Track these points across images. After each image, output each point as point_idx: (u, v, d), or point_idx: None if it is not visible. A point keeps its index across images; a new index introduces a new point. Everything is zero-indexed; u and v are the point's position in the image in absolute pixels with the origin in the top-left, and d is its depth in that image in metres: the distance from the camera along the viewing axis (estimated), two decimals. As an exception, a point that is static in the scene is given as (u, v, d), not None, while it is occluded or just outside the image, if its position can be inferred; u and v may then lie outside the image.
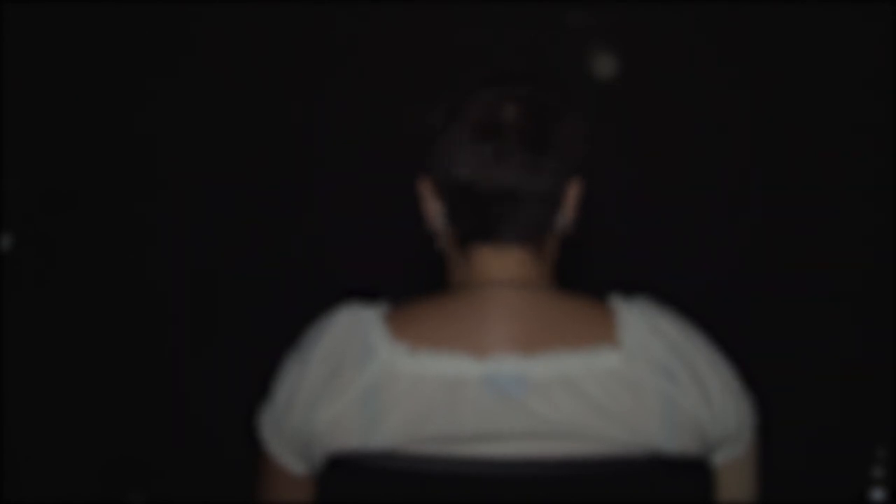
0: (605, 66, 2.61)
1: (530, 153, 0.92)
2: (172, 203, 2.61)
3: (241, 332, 2.55)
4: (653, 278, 1.63)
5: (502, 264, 0.95)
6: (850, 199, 2.48)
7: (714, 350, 0.95)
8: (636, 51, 2.58)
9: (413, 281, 1.34)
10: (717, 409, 0.90)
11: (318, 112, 2.60)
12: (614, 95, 2.59)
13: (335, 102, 2.58)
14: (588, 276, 1.42)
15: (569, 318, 0.92)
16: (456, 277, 1.00)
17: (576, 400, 0.87)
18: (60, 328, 2.46)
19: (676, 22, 2.50)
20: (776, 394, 1.49)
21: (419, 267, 1.42)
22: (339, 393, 0.89)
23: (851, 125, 2.47)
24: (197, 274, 2.62)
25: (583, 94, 2.50)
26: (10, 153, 2.43)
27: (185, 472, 2.32)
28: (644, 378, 0.88)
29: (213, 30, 2.56)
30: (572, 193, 0.97)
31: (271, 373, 0.98)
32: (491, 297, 0.93)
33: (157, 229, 2.60)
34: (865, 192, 2.46)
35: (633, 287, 1.08)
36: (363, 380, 0.89)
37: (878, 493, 1.88)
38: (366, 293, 1.13)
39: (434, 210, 0.99)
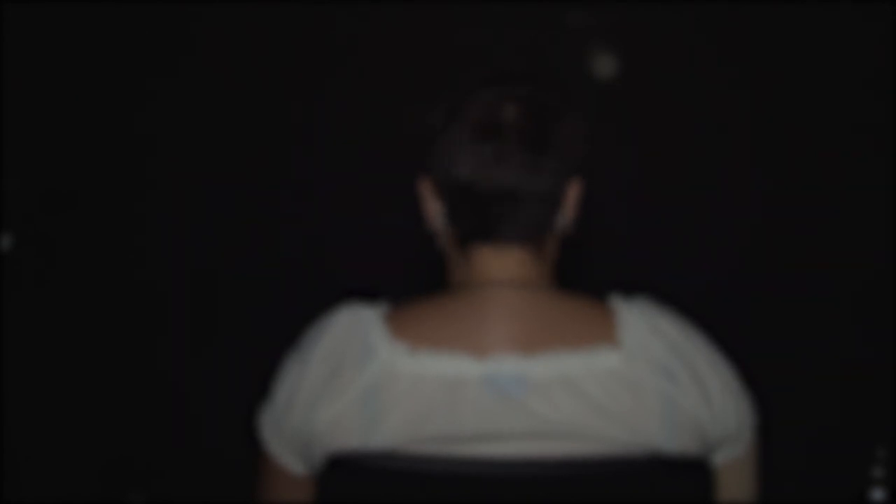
0: (605, 66, 2.61)
1: (530, 153, 0.92)
2: (172, 203, 2.61)
3: (240, 332, 2.55)
4: (653, 278, 1.63)
5: (502, 264, 0.95)
6: (850, 199, 2.48)
7: (714, 350, 0.95)
8: (636, 51, 2.58)
9: (413, 281, 1.34)
10: (717, 409, 0.90)
11: (318, 112, 2.59)
12: (614, 95, 2.59)
13: (335, 102, 2.58)
14: (588, 276, 1.42)
15: (569, 318, 0.92)
16: (456, 277, 1.00)
17: (576, 400, 0.87)
18: (60, 328, 2.46)
19: (676, 22, 2.49)
20: (776, 394, 1.49)
21: (419, 267, 1.42)
22: (339, 393, 0.89)
23: (851, 125, 2.47)
24: (197, 274, 2.62)
25: (583, 94, 2.50)
26: (10, 153, 2.42)
27: (185, 472, 2.32)
28: (644, 378, 0.88)
29: (213, 30, 2.56)
30: (572, 193, 0.97)
31: (271, 373, 0.98)
32: (491, 297, 0.93)
33: (157, 229, 2.60)
34: (865, 192, 2.46)
35: (633, 287, 1.08)
36: (363, 380, 0.89)
37: (878, 493, 1.88)
38: (366, 293, 1.13)
39: (434, 210, 0.99)
